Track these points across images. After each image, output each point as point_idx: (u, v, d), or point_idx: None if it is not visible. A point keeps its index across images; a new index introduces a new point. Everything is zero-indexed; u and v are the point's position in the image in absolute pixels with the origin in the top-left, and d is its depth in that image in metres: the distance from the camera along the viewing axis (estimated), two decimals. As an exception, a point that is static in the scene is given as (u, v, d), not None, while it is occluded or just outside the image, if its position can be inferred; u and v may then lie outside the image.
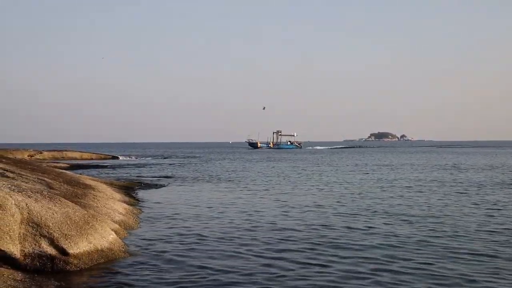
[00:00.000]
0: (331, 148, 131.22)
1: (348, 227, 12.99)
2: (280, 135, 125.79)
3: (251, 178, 31.00)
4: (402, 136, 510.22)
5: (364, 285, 8.07)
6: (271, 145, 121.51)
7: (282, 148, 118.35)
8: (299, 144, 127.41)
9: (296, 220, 14.14)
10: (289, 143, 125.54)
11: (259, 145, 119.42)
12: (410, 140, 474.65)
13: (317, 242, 11.18)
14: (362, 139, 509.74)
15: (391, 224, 13.40)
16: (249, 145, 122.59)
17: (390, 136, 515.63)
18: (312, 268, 9.00)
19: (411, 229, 12.73)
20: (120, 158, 65.98)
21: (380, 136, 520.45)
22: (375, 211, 15.82)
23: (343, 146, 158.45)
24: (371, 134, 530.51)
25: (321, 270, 8.86)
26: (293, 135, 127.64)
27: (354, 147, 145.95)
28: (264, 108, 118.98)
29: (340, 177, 30.82)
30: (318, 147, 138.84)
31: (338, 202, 18.37)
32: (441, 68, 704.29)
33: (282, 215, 15.22)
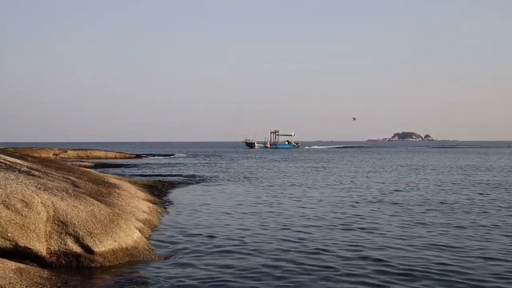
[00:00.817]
0: (329, 148, 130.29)
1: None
2: (277, 135, 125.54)
3: (277, 177, 30.97)
4: (426, 136, 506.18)
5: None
6: (268, 145, 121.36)
7: (279, 148, 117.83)
8: (297, 144, 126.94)
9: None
10: (286, 143, 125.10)
11: (256, 145, 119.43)
12: (434, 140, 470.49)
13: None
14: (386, 139, 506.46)
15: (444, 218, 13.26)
16: (246, 145, 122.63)
17: (414, 136, 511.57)
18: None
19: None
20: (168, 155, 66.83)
21: (404, 136, 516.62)
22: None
23: (341, 146, 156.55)
24: (395, 134, 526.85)
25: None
26: (291, 135, 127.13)
27: (354, 147, 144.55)
28: (354, 119, 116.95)
29: (380, 178, 30.58)
30: (316, 147, 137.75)
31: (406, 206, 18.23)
32: (465, 68, 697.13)
33: (312, 214, 15.15)
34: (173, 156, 70.57)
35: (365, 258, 9.62)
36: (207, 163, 51.01)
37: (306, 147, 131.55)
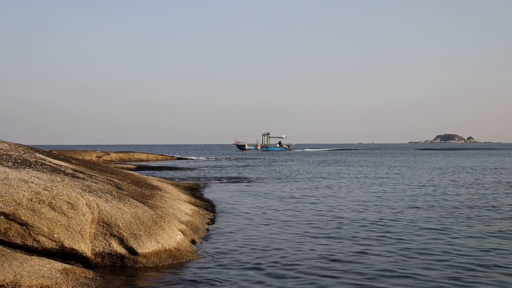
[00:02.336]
0: (325, 150, 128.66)
1: None
2: (269, 137, 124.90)
3: (320, 176, 30.79)
4: (469, 138, 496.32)
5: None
6: (258, 147, 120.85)
7: (270, 150, 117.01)
8: (288, 146, 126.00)
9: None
10: (278, 145, 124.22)
11: (246, 147, 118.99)
12: (477, 142, 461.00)
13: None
14: (428, 141, 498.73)
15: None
16: (237, 147, 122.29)
17: (456, 138, 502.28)
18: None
19: None
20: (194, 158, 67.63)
21: (446, 138, 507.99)
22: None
23: (336, 148, 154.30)
24: (437, 136, 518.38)
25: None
26: (282, 137, 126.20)
27: (350, 149, 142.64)
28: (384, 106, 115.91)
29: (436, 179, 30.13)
30: (308, 150, 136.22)
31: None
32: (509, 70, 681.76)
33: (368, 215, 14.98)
34: (209, 159, 70.68)
35: None
36: (247, 165, 51.08)
37: (299, 150, 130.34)
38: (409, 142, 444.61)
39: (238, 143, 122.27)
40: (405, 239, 11.59)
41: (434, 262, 9.39)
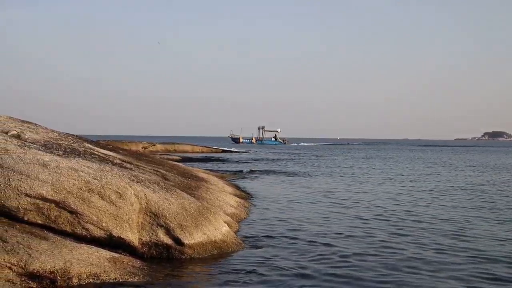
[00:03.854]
0: (319, 145, 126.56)
1: None
2: (264, 130, 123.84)
3: (366, 173, 30.49)
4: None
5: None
6: (253, 140, 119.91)
7: (265, 144, 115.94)
8: (283, 140, 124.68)
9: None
10: (273, 139, 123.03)
11: (241, 140, 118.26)
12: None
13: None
14: (475, 138, 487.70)
15: None
16: (232, 140, 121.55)
17: (505, 136, 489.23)
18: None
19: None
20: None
21: (494, 135, 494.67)
22: None
23: (331, 143, 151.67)
24: (485, 133, 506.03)
25: None
26: (277, 131, 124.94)
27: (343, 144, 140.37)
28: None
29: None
30: (303, 144, 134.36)
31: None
32: None
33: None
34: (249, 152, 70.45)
35: None
36: (291, 158, 50.99)
37: (294, 144, 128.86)
38: (456, 139, 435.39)
39: (233, 136, 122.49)
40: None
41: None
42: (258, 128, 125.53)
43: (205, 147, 68.85)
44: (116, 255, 8.01)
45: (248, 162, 42.83)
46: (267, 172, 31.02)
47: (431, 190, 21.52)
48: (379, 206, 16.02)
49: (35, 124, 14.43)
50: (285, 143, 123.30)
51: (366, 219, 13.48)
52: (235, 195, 16.43)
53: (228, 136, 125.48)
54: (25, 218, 8.08)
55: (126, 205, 8.75)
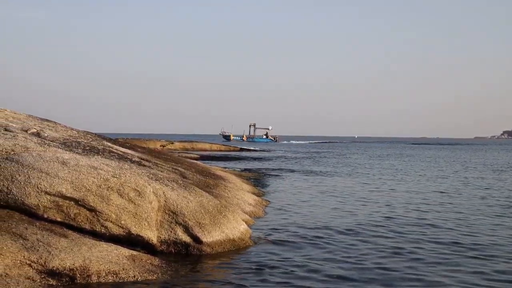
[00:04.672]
0: (310, 143, 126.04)
1: None
2: (255, 128, 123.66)
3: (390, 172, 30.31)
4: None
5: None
6: (244, 138, 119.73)
7: (256, 142, 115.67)
8: (274, 138, 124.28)
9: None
10: (264, 136, 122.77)
11: (232, 138, 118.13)
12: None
13: None
14: (494, 136, 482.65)
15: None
16: (223, 137, 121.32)
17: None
18: None
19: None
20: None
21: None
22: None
23: (320, 141, 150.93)
24: (504, 132, 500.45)
25: None
26: (269, 129, 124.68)
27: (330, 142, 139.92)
28: None
29: None
30: (294, 142, 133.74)
31: None
32: None
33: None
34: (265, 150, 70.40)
35: None
36: (310, 157, 50.88)
37: (285, 142, 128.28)
38: (475, 138, 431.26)
39: (224, 133, 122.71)
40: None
41: None
42: (250, 126, 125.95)
43: (223, 145, 69.08)
44: (135, 252, 8.02)
45: (266, 160, 42.80)
46: (286, 170, 30.95)
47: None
48: (394, 206, 15.90)
49: (54, 122, 14.53)
50: (276, 141, 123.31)
51: (388, 217, 13.39)
52: (253, 193, 16.41)
53: (219, 134, 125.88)
54: (45, 216, 8.13)
55: (145, 203, 8.76)
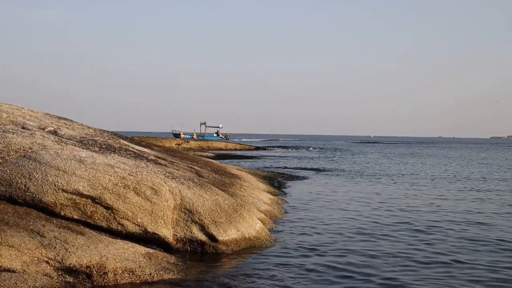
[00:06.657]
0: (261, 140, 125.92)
1: None
2: (206, 126, 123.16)
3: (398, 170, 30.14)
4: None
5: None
6: (194, 136, 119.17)
7: (207, 140, 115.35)
8: (225, 136, 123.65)
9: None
10: (215, 134, 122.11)
11: (182, 136, 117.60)
12: None
13: None
14: (511, 136, 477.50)
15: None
16: (173, 135, 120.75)
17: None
18: None
19: None
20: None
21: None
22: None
23: (269, 139, 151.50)
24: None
25: None
26: (219, 127, 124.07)
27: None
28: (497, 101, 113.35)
29: None
30: (245, 140, 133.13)
31: None
32: None
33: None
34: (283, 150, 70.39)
35: None
36: (325, 156, 50.76)
37: (236, 140, 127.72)
38: (492, 137, 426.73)
39: (174, 131, 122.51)
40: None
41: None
42: (200, 124, 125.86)
43: (238, 144, 69.24)
44: (151, 250, 8.04)
45: (280, 160, 42.76)
46: (301, 169, 30.89)
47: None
48: (410, 208, 15.79)
49: (71, 120, 14.62)
50: (227, 139, 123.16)
51: (409, 223, 13.31)
52: (269, 192, 16.38)
53: (170, 132, 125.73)
54: (62, 213, 8.18)
55: (161, 201, 8.78)
